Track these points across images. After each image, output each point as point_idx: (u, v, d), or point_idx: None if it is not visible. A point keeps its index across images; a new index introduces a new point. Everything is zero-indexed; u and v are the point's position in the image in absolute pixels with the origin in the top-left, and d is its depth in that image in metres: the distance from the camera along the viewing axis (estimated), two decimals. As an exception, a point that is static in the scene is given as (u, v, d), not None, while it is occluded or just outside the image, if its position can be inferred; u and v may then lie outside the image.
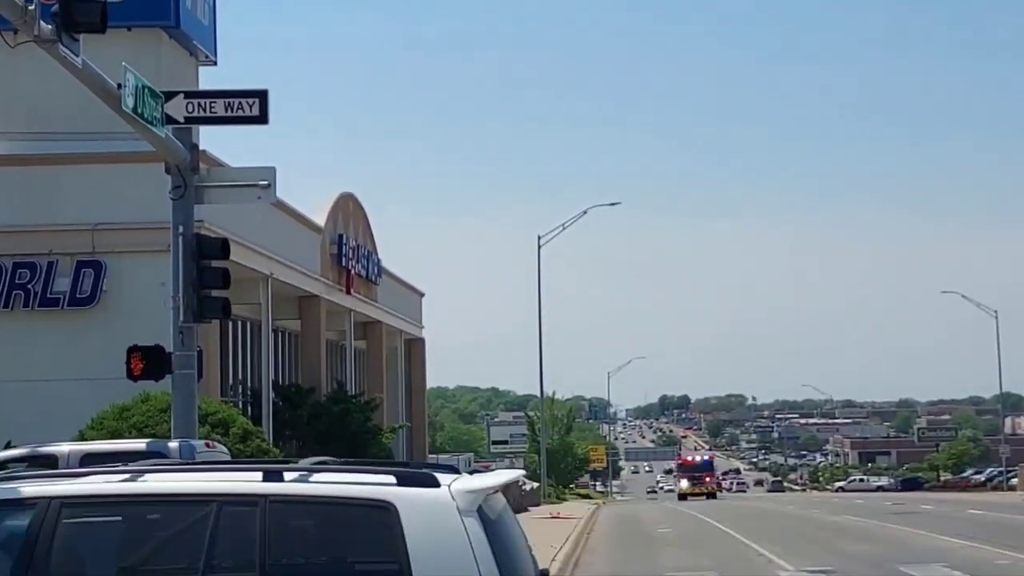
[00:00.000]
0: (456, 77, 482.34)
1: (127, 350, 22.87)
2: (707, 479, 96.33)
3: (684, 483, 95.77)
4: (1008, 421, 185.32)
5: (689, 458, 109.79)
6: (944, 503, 61.14)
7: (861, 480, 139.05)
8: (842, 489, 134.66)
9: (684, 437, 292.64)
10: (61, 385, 31.96)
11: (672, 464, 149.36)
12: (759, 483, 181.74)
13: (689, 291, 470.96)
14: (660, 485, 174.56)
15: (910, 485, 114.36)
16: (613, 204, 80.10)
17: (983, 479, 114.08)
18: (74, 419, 28.23)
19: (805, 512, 53.13)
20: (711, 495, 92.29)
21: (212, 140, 30.99)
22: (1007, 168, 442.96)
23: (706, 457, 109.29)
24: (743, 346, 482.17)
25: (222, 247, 23.13)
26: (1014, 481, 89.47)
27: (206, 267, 22.70)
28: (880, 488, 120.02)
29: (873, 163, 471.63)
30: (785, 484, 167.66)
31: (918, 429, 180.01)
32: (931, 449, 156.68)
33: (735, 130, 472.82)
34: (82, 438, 26.78)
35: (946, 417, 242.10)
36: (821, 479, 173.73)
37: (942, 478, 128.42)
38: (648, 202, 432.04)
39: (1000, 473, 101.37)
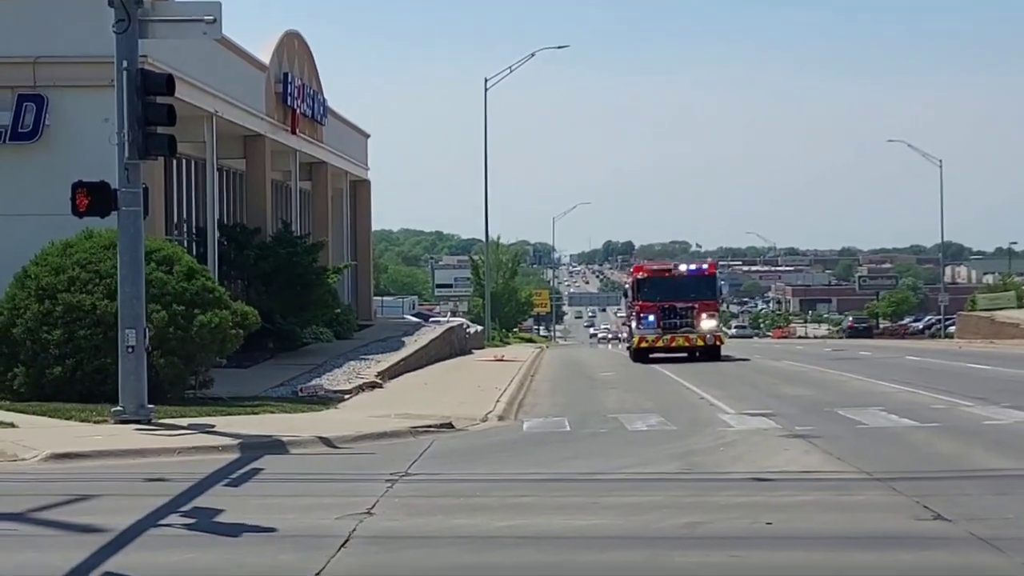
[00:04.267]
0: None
1: (72, 186, 22.66)
2: (700, 315, 48.87)
3: (647, 327, 48.92)
4: (948, 270, 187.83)
5: (666, 267, 54.06)
6: (882, 350, 62.12)
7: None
8: None
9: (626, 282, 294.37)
10: (2, 220, 31.59)
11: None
12: None
13: (635, 138, 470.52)
14: (600, 336, 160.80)
15: (858, 333, 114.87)
16: (561, 47, 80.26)
17: (920, 327, 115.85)
18: (17, 255, 28.02)
19: (747, 357, 53.78)
20: (708, 352, 48.61)
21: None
22: (960, 24, 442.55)
23: (697, 265, 54.43)
24: (688, 193, 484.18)
25: (167, 83, 22.86)
26: (951, 329, 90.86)
27: (151, 103, 22.46)
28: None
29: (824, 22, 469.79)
30: None
31: (859, 277, 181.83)
32: (871, 297, 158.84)
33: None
34: (25, 274, 26.63)
35: (888, 266, 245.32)
36: (762, 326, 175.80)
37: (881, 325, 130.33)
38: (596, 53, 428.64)
39: (938, 321, 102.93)
